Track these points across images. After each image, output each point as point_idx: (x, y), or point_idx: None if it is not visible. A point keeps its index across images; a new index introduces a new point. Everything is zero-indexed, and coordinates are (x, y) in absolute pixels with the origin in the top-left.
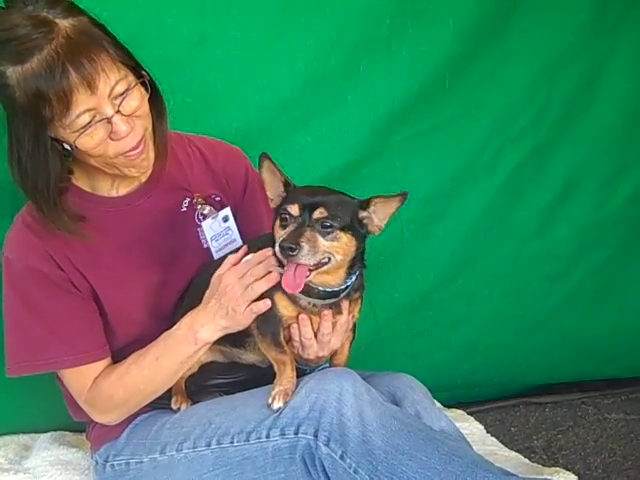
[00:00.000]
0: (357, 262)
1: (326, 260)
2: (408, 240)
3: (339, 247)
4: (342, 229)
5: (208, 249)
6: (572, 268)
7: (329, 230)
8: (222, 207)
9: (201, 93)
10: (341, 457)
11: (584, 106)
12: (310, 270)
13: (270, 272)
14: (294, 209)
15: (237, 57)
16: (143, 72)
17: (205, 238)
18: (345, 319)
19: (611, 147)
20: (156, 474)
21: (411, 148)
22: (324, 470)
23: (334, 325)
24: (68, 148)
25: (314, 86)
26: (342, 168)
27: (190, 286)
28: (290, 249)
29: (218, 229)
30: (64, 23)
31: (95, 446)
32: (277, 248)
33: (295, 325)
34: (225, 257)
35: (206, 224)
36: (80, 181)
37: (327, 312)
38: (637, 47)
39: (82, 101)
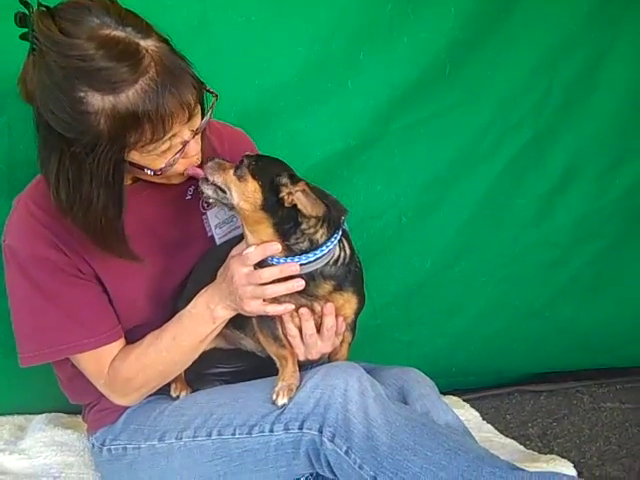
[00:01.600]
0: (292, 231)
1: (225, 192)
2: (406, 227)
3: (240, 187)
4: (252, 175)
5: (212, 237)
6: (570, 257)
7: (239, 166)
8: None
9: (201, 76)
10: (346, 453)
11: (585, 95)
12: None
13: (290, 278)
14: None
15: (237, 41)
16: (209, 88)
17: (210, 226)
18: (331, 323)
19: (611, 137)
20: (154, 460)
21: (410, 135)
22: (329, 465)
23: (319, 328)
24: (150, 172)
25: (314, 71)
26: (340, 154)
27: (192, 272)
28: (208, 158)
29: (223, 217)
30: (149, 46)
31: (91, 429)
32: None
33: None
34: (228, 242)
35: (211, 212)
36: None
37: (304, 311)
38: (638, 37)
39: (177, 126)
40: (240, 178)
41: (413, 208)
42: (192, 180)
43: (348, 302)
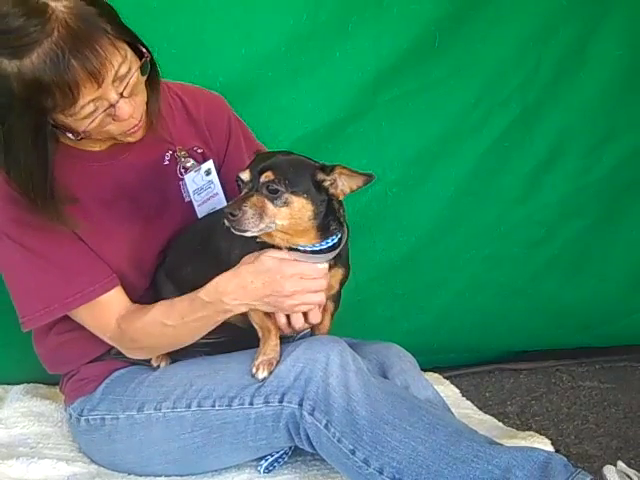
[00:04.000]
0: (331, 222)
1: (272, 226)
2: (391, 202)
3: (286, 212)
4: (294, 192)
5: (190, 203)
6: (554, 235)
7: (277, 195)
8: (204, 160)
9: (187, 45)
10: (325, 426)
11: (573, 71)
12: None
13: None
14: (245, 175)
15: (224, 9)
16: (143, 49)
17: (187, 192)
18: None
19: (598, 114)
20: (132, 431)
21: (398, 108)
22: (308, 439)
23: None
24: (72, 136)
25: (302, 42)
26: (327, 126)
27: (174, 242)
28: (231, 214)
29: (200, 182)
30: (59, 7)
31: (69, 399)
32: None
33: None
34: (209, 215)
35: (188, 177)
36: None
37: None
38: (628, 14)
39: (88, 93)
40: (284, 205)
41: (399, 183)
42: (169, 144)
43: (334, 276)
